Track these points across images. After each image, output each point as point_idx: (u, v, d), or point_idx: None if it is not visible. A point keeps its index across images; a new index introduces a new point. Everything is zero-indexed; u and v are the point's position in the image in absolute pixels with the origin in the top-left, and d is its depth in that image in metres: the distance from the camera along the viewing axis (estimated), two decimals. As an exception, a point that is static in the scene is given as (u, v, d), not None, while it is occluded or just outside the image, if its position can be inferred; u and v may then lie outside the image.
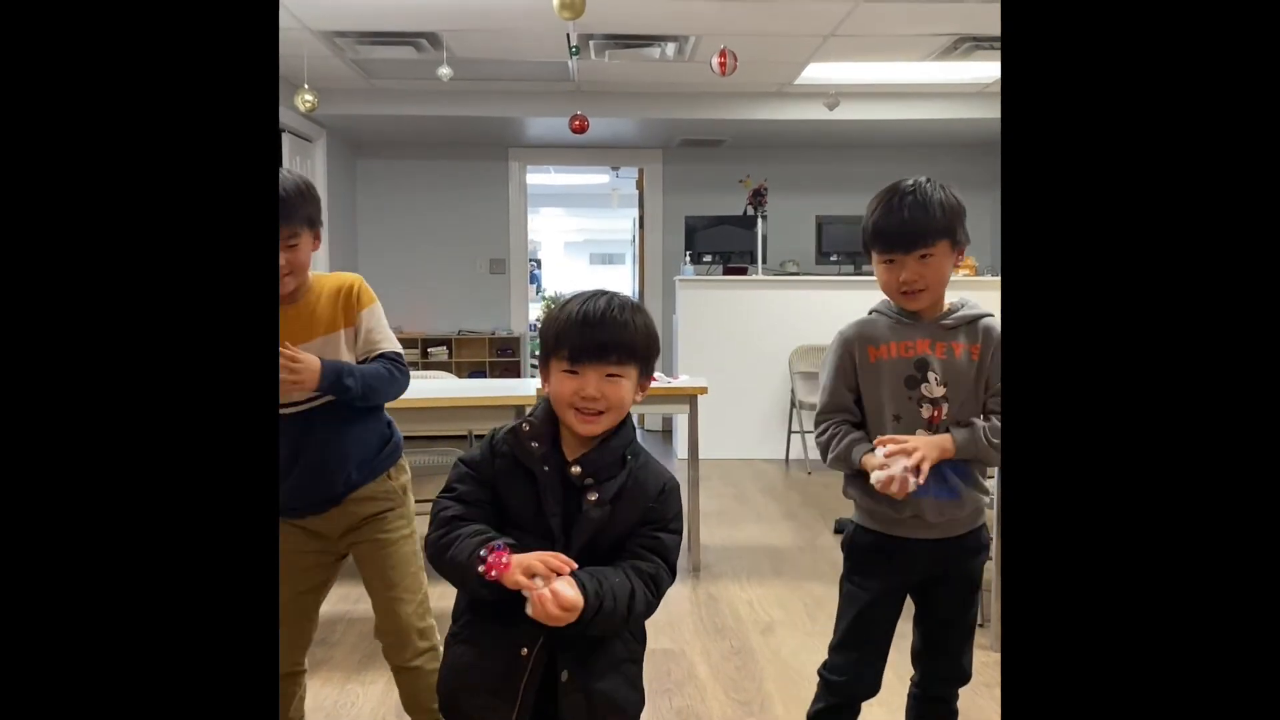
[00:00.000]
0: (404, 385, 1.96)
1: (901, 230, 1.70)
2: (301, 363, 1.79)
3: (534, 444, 1.39)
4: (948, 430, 1.71)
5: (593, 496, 1.37)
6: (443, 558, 1.36)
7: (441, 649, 1.78)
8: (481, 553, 1.30)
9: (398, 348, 1.97)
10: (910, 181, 1.74)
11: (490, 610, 1.37)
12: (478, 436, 4.27)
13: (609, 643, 1.40)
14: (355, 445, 1.94)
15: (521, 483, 1.39)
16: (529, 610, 1.28)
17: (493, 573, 1.28)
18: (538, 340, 1.51)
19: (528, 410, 1.48)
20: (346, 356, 1.91)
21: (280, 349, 1.74)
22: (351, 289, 1.94)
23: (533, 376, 7.93)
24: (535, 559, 1.29)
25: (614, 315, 1.38)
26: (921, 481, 1.65)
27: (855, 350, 1.77)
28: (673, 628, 3.11)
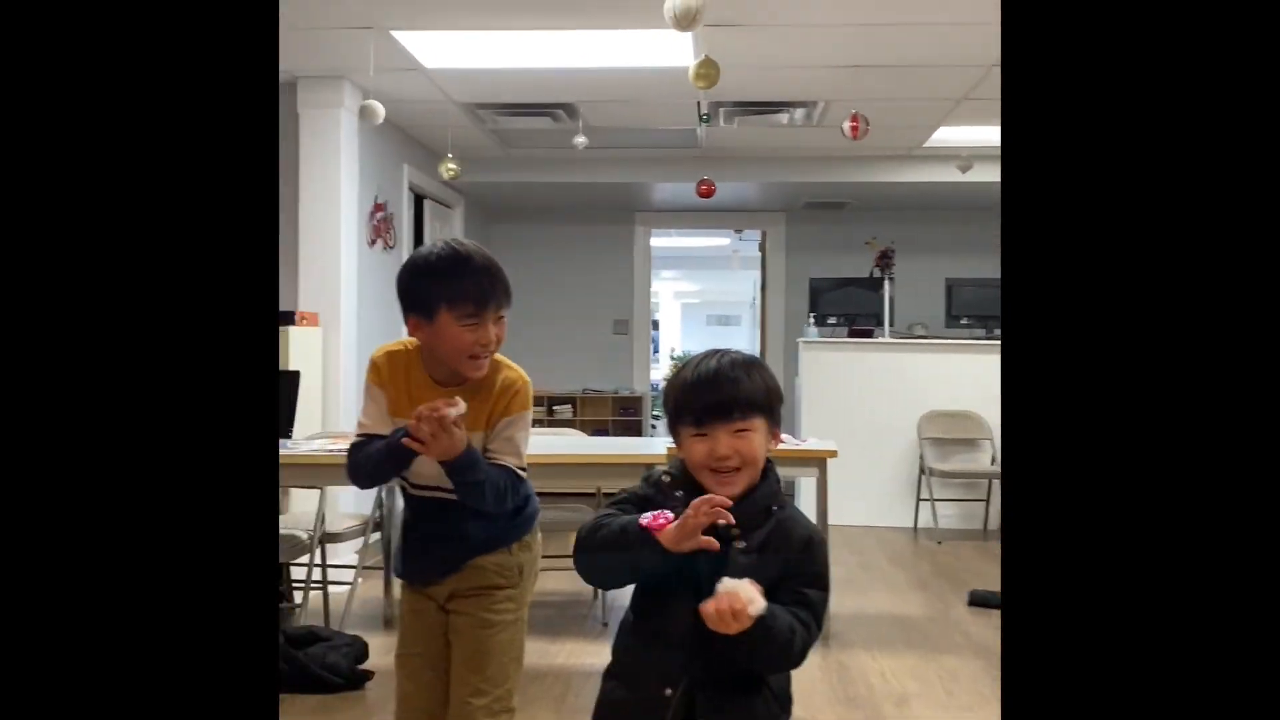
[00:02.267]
0: (509, 507, 1.81)
1: None
2: (454, 431, 1.67)
3: (678, 493, 1.40)
4: None
5: (740, 544, 1.37)
6: (593, 539, 1.38)
7: None
8: (643, 520, 1.33)
9: (522, 462, 1.83)
10: None
11: (641, 643, 1.41)
12: (606, 494, 4.32)
13: (752, 699, 1.39)
14: (480, 522, 1.83)
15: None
16: (703, 607, 1.28)
17: (658, 521, 1.31)
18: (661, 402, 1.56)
19: (657, 467, 1.51)
20: None
21: (437, 414, 1.65)
22: (509, 390, 1.82)
23: (653, 435, 8.00)
24: (693, 507, 1.30)
25: (727, 372, 1.40)
26: None
27: None
28: (804, 696, 3.05)
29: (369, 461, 1.80)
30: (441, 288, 1.74)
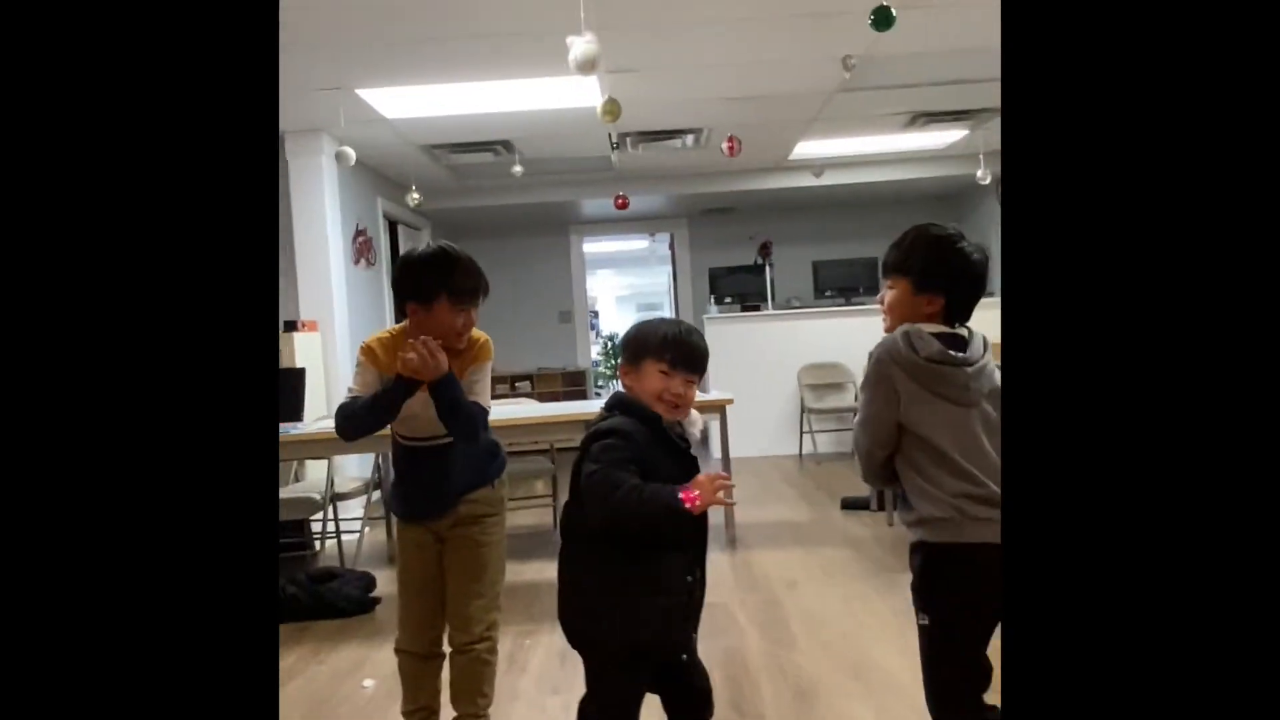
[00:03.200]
0: (482, 430, 1.82)
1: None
2: (438, 358, 1.68)
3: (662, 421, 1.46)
4: None
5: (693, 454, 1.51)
6: (640, 502, 1.35)
7: (495, 646, 1.86)
8: (679, 494, 1.35)
9: (487, 403, 1.85)
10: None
11: (655, 557, 1.42)
12: (559, 450, 4.35)
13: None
14: (467, 466, 1.87)
15: (661, 451, 1.44)
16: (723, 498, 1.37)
17: (695, 503, 1.34)
18: (616, 347, 1.55)
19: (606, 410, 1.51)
20: None
21: (425, 340, 1.68)
22: (475, 345, 1.84)
23: (595, 399, 8.02)
24: (700, 484, 1.36)
25: (699, 339, 1.50)
26: None
27: None
28: (715, 586, 3.13)
29: (359, 412, 1.77)
30: (440, 279, 1.75)
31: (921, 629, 1.48)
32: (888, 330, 1.54)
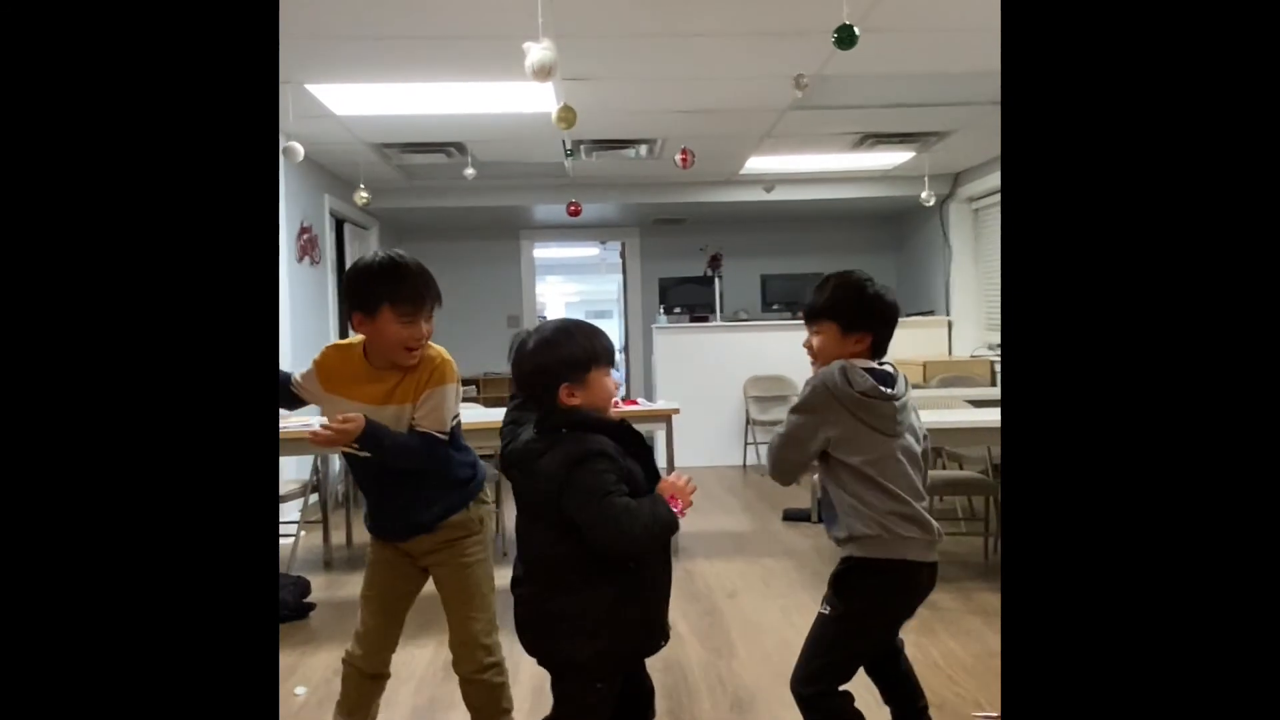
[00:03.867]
0: (434, 460, 1.71)
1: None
2: (346, 425, 1.63)
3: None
4: None
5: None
6: (650, 527, 1.36)
7: (503, 665, 1.79)
8: (682, 516, 1.40)
9: (442, 428, 1.72)
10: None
11: (643, 567, 1.43)
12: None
13: None
14: (437, 488, 1.76)
15: (633, 460, 1.43)
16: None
17: (682, 513, 1.40)
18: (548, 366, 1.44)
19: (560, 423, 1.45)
20: (402, 426, 1.72)
21: (336, 420, 1.64)
22: (431, 365, 1.73)
23: (543, 407, 7.94)
24: (678, 489, 1.41)
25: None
26: None
27: None
28: (659, 595, 3.15)
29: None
30: (384, 290, 1.67)
31: (823, 617, 1.62)
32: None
